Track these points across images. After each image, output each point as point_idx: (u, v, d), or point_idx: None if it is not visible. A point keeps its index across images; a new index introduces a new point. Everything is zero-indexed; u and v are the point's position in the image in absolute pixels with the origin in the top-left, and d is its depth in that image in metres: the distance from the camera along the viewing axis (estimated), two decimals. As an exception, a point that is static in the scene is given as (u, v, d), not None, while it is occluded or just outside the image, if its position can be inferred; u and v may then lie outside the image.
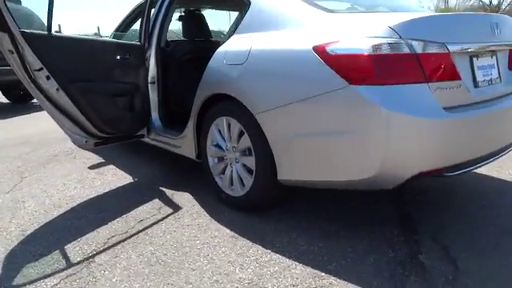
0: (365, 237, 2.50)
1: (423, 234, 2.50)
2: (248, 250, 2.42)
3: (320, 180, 2.41)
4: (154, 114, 3.66)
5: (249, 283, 2.11)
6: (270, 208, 2.91)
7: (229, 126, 2.89)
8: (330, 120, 2.23)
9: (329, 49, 2.21)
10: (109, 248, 2.52)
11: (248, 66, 2.60)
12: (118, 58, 3.30)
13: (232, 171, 2.93)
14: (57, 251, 2.50)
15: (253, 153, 2.69)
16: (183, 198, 3.24)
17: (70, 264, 2.36)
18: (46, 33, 2.84)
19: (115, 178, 3.78)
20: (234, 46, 2.81)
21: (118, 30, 4.81)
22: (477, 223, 2.62)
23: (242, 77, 2.63)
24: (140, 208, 3.10)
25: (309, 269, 2.21)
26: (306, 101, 2.29)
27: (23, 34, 2.72)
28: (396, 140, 2.08)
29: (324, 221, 2.72)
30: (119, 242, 2.60)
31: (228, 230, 2.67)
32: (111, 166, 4.11)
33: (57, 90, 2.94)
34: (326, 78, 2.20)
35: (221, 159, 3.07)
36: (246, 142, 2.74)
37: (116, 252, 2.48)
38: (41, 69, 2.85)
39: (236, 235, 2.61)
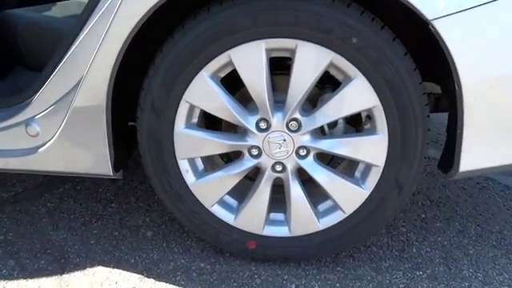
0: None
1: None
2: None
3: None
4: None
5: None
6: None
7: (275, 63, 1.07)
8: None
9: None
10: None
11: None
12: None
13: (286, 181, 1.15)
14: None
15: (384, 124, 1.05)
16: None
17: None
18: None
19: None
20: None
21: None
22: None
23: None
24: None
25: None
26: None
27: None
28: None
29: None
30: None
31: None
32: None
33: None
34: None
35: (221, 161, 1.20)
36: (355, 99, 1.04)
37: None
38: None
39: None
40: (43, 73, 1.15)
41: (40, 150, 1.19)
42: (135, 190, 1.63)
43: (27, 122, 1.18)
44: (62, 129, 1.16)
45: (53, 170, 1.23)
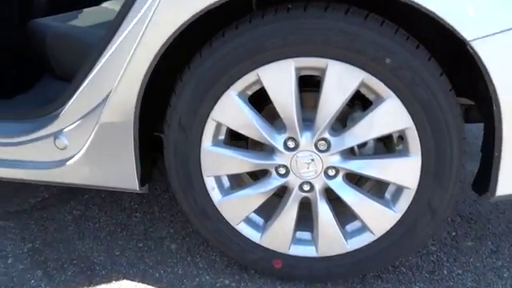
0: None
1: None
2: None
3: None
4: None
5: None
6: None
7: (305, 82, 1.05)
8: None
9: None
10: None
11: None
12: None
13: (314, 201, 1.13)
14: None
15: (418, 145, 1.01)
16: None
17: None
18: None
19: None
20: None
21: None
22: None
23: None
24: None
25: None
26: None
27: None
28: None
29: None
30: None
31: None
32: None
33: None
34: None
35: (248, 178, 1.19)
36: (387, 120, 1.01)
37: None
38: None
39: None
40: (71, 85, 1.15)
41: (67, 163, 1.20)
42: (158, 198, 1.63)
43: (56, 135, 1.19)
44: (89, 143, 1.16)
45: (79, 183, 1.24)
